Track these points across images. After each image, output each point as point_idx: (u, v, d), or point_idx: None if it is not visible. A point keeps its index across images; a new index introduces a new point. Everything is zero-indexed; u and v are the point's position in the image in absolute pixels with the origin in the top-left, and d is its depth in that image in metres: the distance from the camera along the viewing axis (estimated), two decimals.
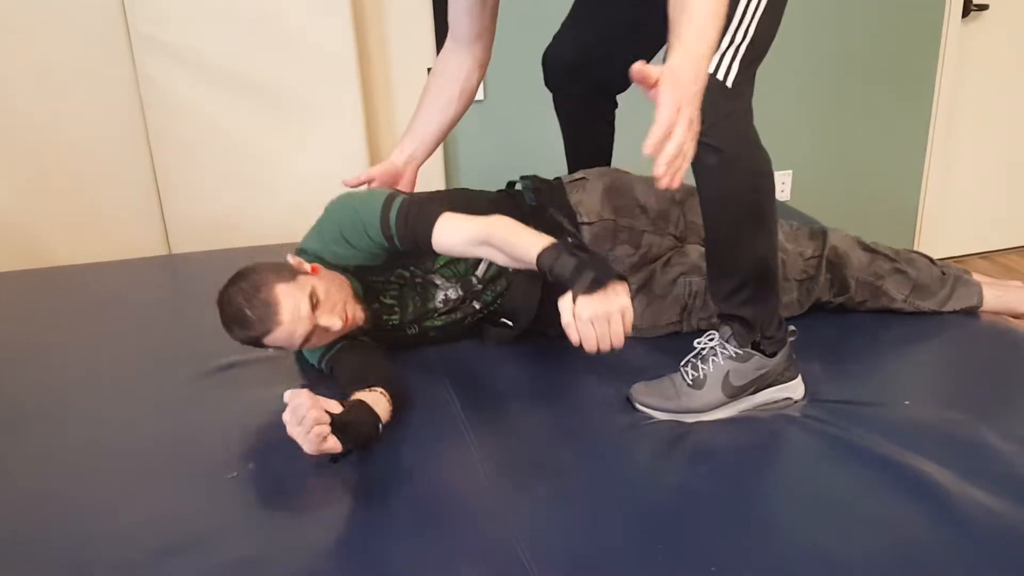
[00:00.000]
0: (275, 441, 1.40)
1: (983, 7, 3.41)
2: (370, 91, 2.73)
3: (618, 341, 1.35)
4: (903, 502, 1.31)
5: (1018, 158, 3.74)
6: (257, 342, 1.54)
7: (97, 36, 2.49)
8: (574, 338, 1.35)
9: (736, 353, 1.54)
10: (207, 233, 2.68)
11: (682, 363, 1.59)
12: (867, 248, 1.91)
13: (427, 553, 1.24)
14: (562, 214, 1.79)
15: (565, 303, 1.36)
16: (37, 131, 2.52)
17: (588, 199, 1.82)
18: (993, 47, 3.51)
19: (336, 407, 1.36)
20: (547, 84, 1.96)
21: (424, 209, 1.57)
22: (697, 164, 1.43)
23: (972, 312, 1.90)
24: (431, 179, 2.71)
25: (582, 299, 1.34)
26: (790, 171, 3.38)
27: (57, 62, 2.48)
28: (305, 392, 1.32)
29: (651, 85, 1.15)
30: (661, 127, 1.14)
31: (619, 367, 1.66)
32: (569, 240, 1.67)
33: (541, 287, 1.74)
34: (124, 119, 2.57)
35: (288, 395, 1.32)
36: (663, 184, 1.15)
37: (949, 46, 3.40)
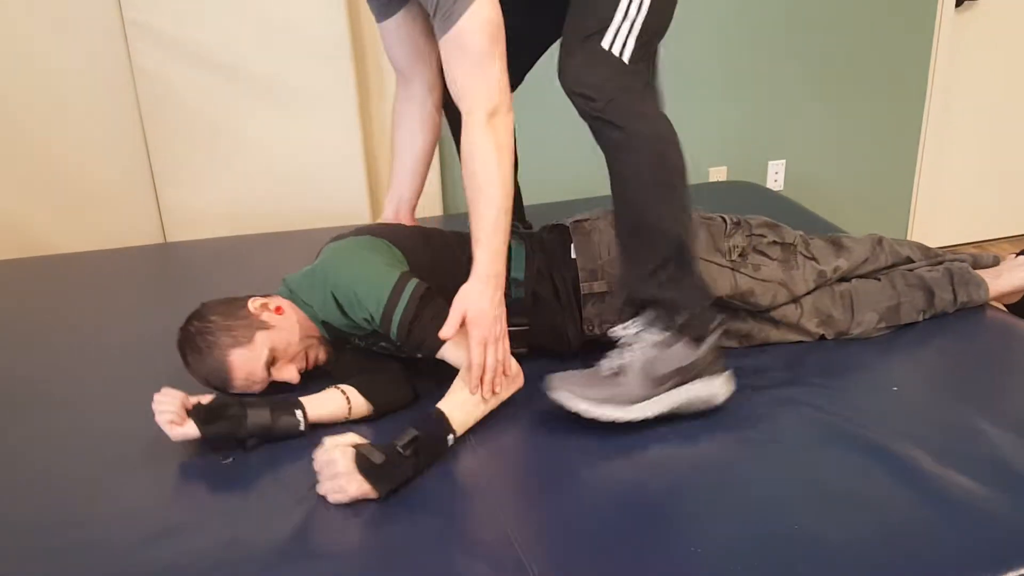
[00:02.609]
0: None
1: None
2: (364, 78, 2.73)
3: None
4: (889, 486, 1.33)
5: (1010, 149, 3.75)
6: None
7: (91, 25, 2.48)
8: None
9: (659, 339, 1.46)
10: (202, 221, 2.68)
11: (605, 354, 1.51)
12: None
13: (421, 546, 1.25)
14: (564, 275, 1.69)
15: None
16: (32, 120, 2.52)
17: (595, 250, 1.69)
18: (986, 37, 3.52)
19: (205, 399, 1.45)
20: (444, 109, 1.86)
21: (435, 321, 1.45)
22: (600, 143, 1.47)
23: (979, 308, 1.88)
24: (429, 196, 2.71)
25: None
26: (783, 160, 3.39)
27: (51, 52, 2.48)
28: (166, 389, 1.45)
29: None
30: (476, 370, 1.44)
31: None
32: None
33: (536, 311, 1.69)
34: (119, 108, 2.58)
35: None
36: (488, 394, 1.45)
37: (942, 37, 3.41)
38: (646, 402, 1.46)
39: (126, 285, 2.19)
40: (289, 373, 1.57)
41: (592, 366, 1.52)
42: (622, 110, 1.42)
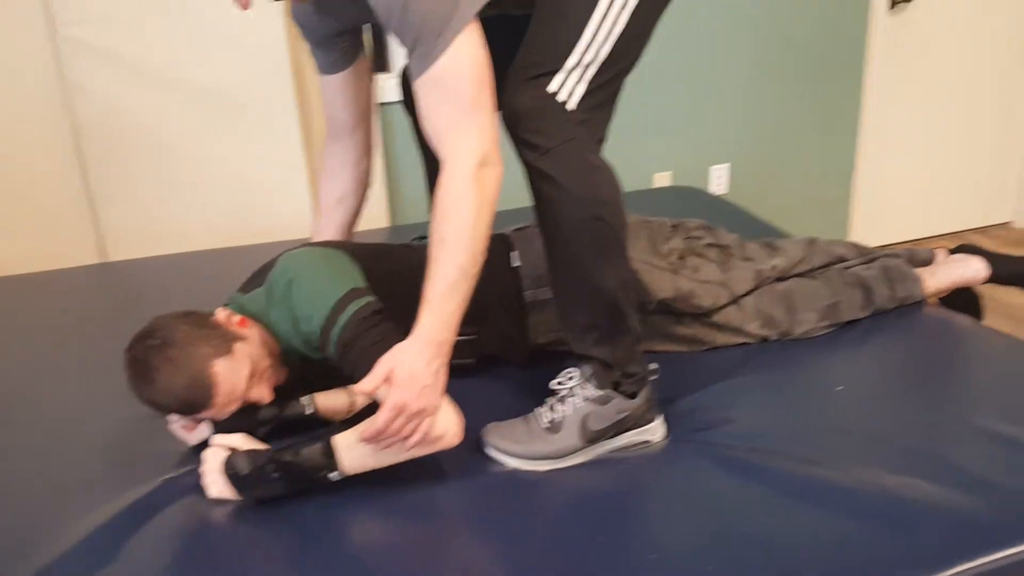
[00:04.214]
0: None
1: None
2: (305, 90, 2.70)
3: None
4: (839, 486, 1.34)
5: (943, 148, 3.84)
6: (163, 411, 1.41)
7: (19, 38, 2.42)
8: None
9: (596, 395, 1.44)
10: (144, 239, 2.64)
11: (540, 404, 1.49)
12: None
13: (375, 559, 1.24)
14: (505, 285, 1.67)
15: None
16: None
17: (538, 257, 1.64)
18: (919, 39, 3.60)
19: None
20: (406, 107, 1.77)
21: (375, 349, 1.31)
22: (534, 193, 1.37)
23: (916, 304, 1.91)
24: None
25: None
26: (727, 164, 3.43)
27: None
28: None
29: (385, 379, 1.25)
30: (376, 428, 1.26)
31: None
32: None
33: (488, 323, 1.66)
34: (50, 124, 2.51)
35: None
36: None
37: (876, 38, 3.48)
38: (580, 451, 1.46)
39: (68, 306, 2.14)
40: (261, 391, 1.44)
41: (538, 404, 1.50)
42: (563, 165, 1.33)
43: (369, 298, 1.39)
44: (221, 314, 1.46)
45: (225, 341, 1.40)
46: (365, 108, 1.73)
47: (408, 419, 1.27)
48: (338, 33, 1.60)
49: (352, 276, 1.44)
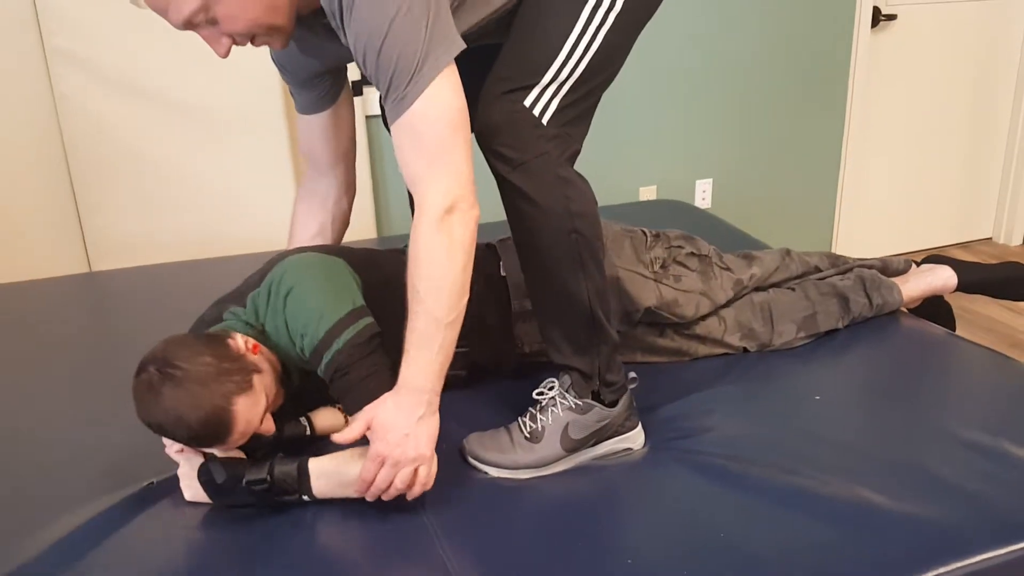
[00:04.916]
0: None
1: (891, 17, 3.54)
2: (292, 103, 2.71)
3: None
4: (815, 494, 1.36)
5: (925, 164, 3.88)
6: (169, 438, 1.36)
7: (9, 51, 2.44)
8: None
9: (576, 404, 1.45)
10: (129, 250, 2.64)
11: (521, 414, 1.50)
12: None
13: (353, 570, 1.25)
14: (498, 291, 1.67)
15: None
16: None
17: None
18: (902, 55, 3.65)
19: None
20: (387, 126, 1.76)
21: (364, 383, 1.32)
22: (508, 207, 1.38)
23: (894, 312, 1.94)
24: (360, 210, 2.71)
25: None
26: (711, 179, 3.46)
27: None
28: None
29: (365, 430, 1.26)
30: (361, 479, 1.27)
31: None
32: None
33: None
34: (39, 136, 2.52)
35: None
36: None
37: (860, 55, 3.53)
38: (561, 460, 1.47)
39: (52, 316, 2.14)
40: (269, 422, 1.37)
41: (514, 419, 1.51)
42: (535, 179, 1.33)
43: (366, 320, 1.36)
44: (239, 341, 1.37)
45: (245, 376, 1.32)
46: (348, 144, 1.68)
47: (392, 468, 1.26)
48: (321, 73, 1.57)
49: (351, 292, 1.40)
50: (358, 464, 1.30)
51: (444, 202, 1.23)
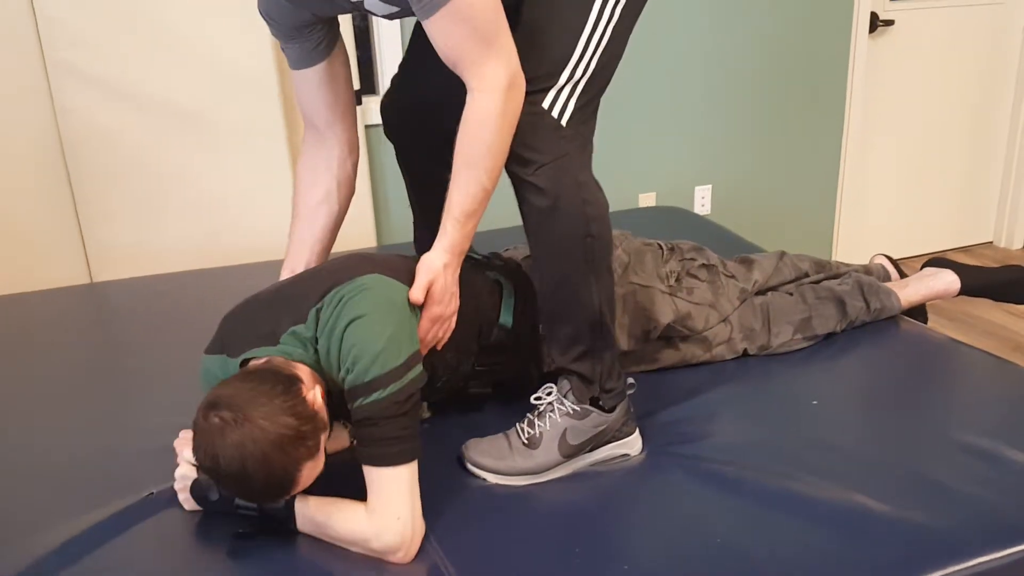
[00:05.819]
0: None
1: (889, 23, 3.55)
2: (292, 111, 2.73)
3: None
4: (811, 498, 1.36)
5: (925, 168, 3.88)
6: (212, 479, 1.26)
7: (10, 60, 2.45)
8: None
9: (574, 410, 1.46)
10: (130, 260, 2.65)
11: (519, 420, 1.51)
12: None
13: (345, 559, 1.25)
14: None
15: None
16: None
17: None
18: (900, 61, 3.65)
19: None
20: (388, 135, 1.74)
21: (387, 442, 1.27)
22: (525, 208, 1.40)
23: (892, 319, 1.95)
24: (360, 219, 2.72)
25: None
26: (709, 186, 3.46)
27: None
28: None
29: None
30: (419, 288, 1.36)
31: None
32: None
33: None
34: (41, 146, 2.53)
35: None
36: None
37: (857, 61, 3.53)
38: (559, 466, 1.48)
39: (55, 327, 2.14)
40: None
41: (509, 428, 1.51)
42: (555, 178, 1.35)
43: (415, 372, 1.31)
44: (316, 397, 1.27)
45: (316, 439, 1.24)
46: (347, 101, 1.61)
47: (442, 324, 1.41)
48: (312, 23, 1.50)
49: (411, 337, 1.33)
50: (343, 524, 1.28)
51: (505, 78, 1.30)
